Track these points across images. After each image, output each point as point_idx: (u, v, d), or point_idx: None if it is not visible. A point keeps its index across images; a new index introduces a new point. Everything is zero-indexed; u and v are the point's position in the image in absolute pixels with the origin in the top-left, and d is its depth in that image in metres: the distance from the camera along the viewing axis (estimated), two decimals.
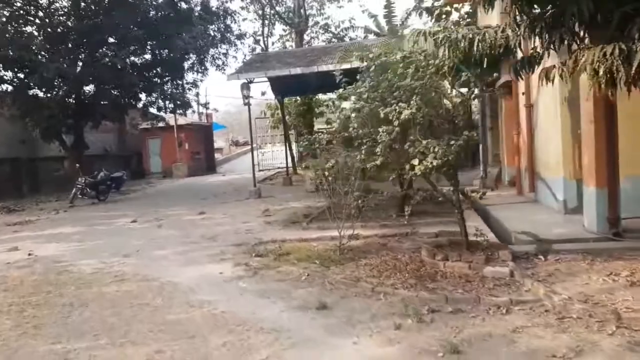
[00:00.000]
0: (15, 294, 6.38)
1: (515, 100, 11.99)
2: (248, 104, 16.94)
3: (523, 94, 11.11)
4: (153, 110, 24.13)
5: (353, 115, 7.22)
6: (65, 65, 18.38)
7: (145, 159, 29.63)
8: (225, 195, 17.86)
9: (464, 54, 6.53)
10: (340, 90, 8.19)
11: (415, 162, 5.91)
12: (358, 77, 8.01)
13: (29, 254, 9.00)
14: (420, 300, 5.03)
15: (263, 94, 25.65)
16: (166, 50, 21.36)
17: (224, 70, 23.28)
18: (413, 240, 7.76)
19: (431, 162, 5.77)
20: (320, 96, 28.66)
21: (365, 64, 8.12)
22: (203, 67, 22.89)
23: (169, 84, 23.18)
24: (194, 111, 26.18)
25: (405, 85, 6.53)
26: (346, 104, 9.21)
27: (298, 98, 27.38)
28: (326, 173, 11.55)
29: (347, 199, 7.54)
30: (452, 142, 5.89)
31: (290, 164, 25.84)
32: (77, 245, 9.73)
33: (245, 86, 16.82)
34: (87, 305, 5.75)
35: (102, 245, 9.59)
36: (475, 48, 6.43)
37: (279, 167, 26.36)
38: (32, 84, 19.23)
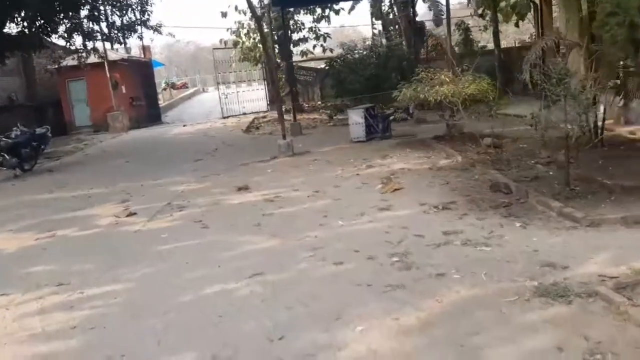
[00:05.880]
0: None
1: None
2: (262, 16, 10.98)
3: None
4: (78, 38, 17.04)
5: None
6: None
7: (66, 108, 22.05)
8: (221, 153, 12.09)
9: None
10: None
11: None
12: None
13: None
14: None
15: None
16: None
17: None
18: None
19: None
20: (302, 17, 22.44)
21: None
22: None
23: None
24: (140, 37, 18.89)
25: None
26: None
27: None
28: None
29: None
30: None
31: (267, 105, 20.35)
32: (67, 304, 3.92)
33: None
34: None
35: (131, 303, 3.91)
36: None
37: (245, 112, 20.60)
38: None
